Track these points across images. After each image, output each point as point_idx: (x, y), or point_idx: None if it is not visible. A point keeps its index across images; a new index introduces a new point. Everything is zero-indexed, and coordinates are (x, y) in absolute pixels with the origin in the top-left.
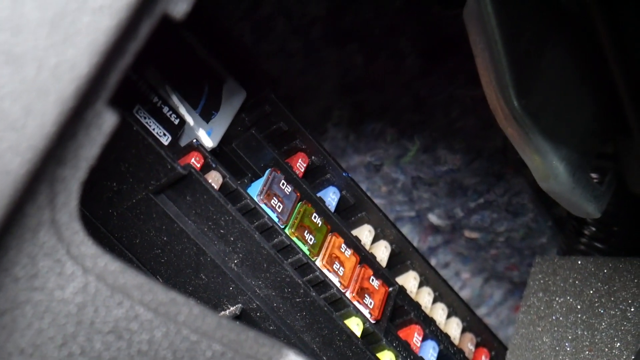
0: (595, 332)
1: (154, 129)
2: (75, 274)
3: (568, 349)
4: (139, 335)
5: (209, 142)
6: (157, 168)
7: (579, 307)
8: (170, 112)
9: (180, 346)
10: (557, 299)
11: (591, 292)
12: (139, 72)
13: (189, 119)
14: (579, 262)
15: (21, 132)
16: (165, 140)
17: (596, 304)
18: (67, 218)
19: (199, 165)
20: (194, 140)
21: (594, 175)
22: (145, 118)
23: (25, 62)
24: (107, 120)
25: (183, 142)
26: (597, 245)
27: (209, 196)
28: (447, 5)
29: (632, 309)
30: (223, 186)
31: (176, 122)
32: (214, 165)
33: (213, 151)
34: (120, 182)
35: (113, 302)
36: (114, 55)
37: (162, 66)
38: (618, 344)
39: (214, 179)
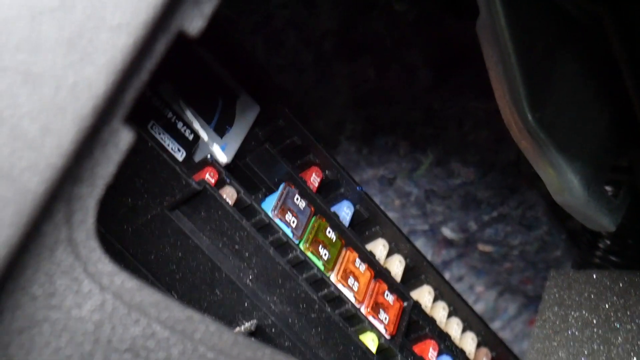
0: (612, 347)
1: (168, 145)
2: (93, 292)
3: None
4: (156, 354)
5: (223, 157)
6: (171, 184)
7: (594, 321)
8: (185, 128)
9: None
10: (572, 313)
11: (607, 306)
12: (153, 88)
13: (203, 134)
14: (594, 276)
15: (39, 151)
16: (180, 155)
17: (612, 318)
18: (84, 236)
19: (213, 181)
20: (208, 156)
21: (608, 188)
22: (159, 134)
23: (44, 82)
24: (123, 138)
25: (197, 158)
26: (612, 258)
27: (223, 212)
28: (460, 16)
29: None
30: (238, 201)
31: (190, 137)
32: (228, 181)
33: (227, 166)
34: (135, 198)
35: (130, 320)
36: (130, 73)
37: (176, 82)
38: (635, 358)
39: (229, 194)
